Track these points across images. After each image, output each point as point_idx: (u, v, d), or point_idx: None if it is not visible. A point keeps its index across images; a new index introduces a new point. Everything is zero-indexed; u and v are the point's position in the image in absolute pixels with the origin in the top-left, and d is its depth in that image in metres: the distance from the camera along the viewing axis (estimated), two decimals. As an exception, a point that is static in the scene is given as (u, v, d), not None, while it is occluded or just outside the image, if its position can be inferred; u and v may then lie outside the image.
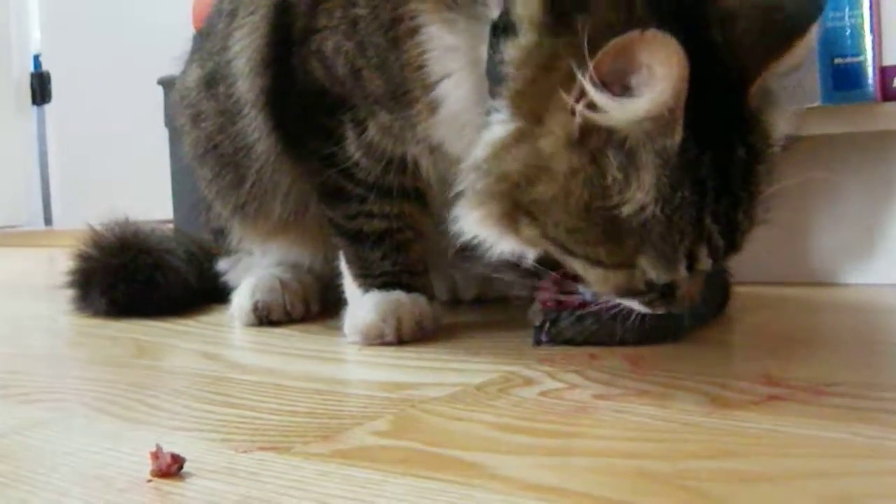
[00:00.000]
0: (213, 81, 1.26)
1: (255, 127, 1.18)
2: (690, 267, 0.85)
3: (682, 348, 0.98)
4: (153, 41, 2.34)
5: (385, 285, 1.11)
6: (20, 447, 0.78)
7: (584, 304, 1.00)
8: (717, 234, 0.83)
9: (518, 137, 0.85)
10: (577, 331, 1.01)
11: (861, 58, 1.26)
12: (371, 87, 1.03)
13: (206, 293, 1.45)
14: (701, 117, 0.79)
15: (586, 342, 1.01)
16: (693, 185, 0.80)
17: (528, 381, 0.88)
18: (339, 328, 1.13)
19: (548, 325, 1.02)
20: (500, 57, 0.88)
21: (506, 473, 0.64)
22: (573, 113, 0.81)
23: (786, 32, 0.82)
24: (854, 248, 1.33)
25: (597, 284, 0.90)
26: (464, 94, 0.95)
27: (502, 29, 0.88)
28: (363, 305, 1.10)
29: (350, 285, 1.15)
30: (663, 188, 0.80)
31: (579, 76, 0.78)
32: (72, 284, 1.45)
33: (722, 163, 0.82)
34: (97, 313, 1.40)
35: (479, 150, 0.89)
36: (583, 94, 0.79)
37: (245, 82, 1.17)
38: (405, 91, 0.99)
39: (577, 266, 0.89)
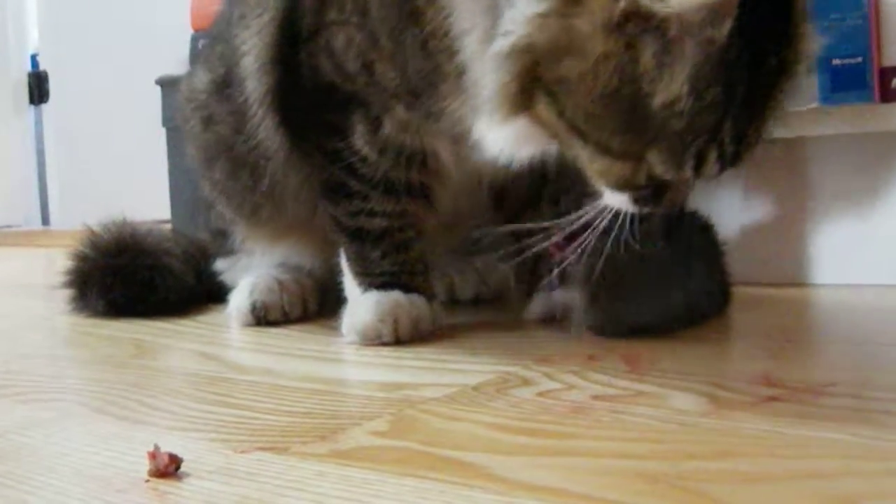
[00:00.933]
0: (225, 84, 1.26)
1: (263, 126, 1.18)
2: (699, 169, 0.83)
3: (679, 348, 0.98)
4: (151, 41, 2.36)
5: (384, 285, 1.11)
6: (18, 447, 0.78)
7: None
8: (729, 140, 0.82)
9: (551, 13, 0.81)
10: (585, 269, 1.01)
11: (860, 59, 1.26)
12: (385, 81, 1.03)
13: (204, 294, 1.45)
14: (750, 17, 0.77)
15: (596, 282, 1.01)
16: (725, 87, 0.79)
17: (526, 382, 0.88)
18: (337, 328, 1.13)
19: (556, 273, 1.02)
20: None
21: (504, 474, 0.64)
22: None
23: None
24: (854, 249, 1.33)
25: (598, 175, 0.88)
26: (480, 40, 0.90)
27: None
28: (361, 305, 1.10)
29: (349, 284, 1.15)
30: (698, 83, 0.78)
31: None
32: (69, 284, 1.44)
33: (755, 72, 0.80)
34: (95, 314, 1.40)
35: (499, 40, 0.84)
36: None
37: (253, 81, 1.17)
38: (431, 69, 0.97)
39: (583, 154, 0.87)
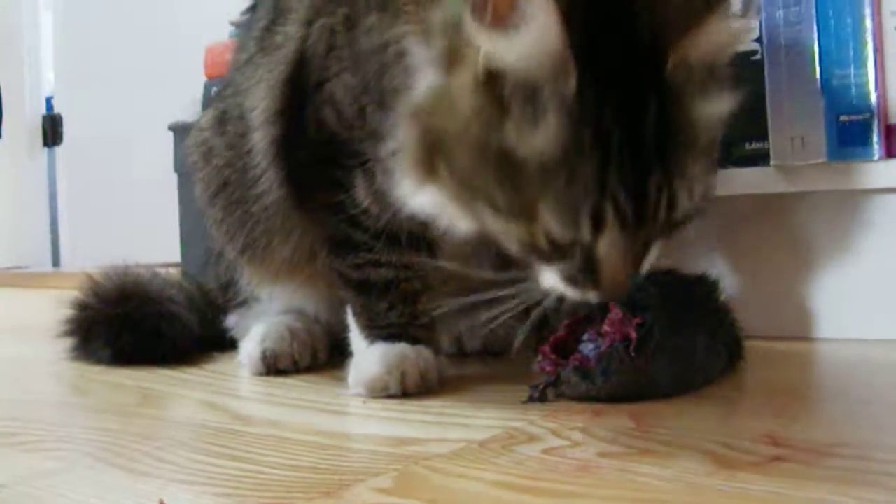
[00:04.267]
0: (224, 120, 1.30)
1: (265, 178, 1.19)
2: (597, 228, 0.83)
3: (685, 405, 0.98)
4: (165, 87, 2.37)
5: (391, 337, 1.11)
6: (25, 498, 0.78)
7: (583, 363, 1.00)
8: (624, 197, 0.82)
9: (435, 86, 0.89)
10: (574, 388, 1.01)
11: (867, 115, 1.27)
12: (374, 123, 1.04)
13: (209, 340, 1.46)
14: (611, 77, 0.81)
15: (581, 399, 1.01)
16: (594, 136, 0.80)
17: (532, 438, 0.88)
18: (344, 379, 1.13)
19: (543, 385, 1.02)
20: (430, 26, 0.91)
21: (508, 535, 0.64)
22: (476, 58, 0.84)
23: (704, 6, 0.82)
24: (860, 303, 1.33)
25: (504, 240, 0.90)
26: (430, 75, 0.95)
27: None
28: (368, 357, 1.11)
29: (356, 337, 1.16)
30: (561, 134, 0.80)
31: (472, 24, 0.82)
32: (70, 333, 1.45)
33: (630, 124, 0.81)
34: (101, 362, 1.40)
35: (402, 106, 0.94)
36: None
37: (258, 133, 1.19)
38: (397, 120, 0.99)
39: (486, 218, 0.89)
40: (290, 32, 1.15)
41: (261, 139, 1.19)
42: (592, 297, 0.89)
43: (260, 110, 1.19)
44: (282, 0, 1.21)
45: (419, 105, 0.90)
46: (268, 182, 1.20)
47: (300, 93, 1.13)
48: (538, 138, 0.81)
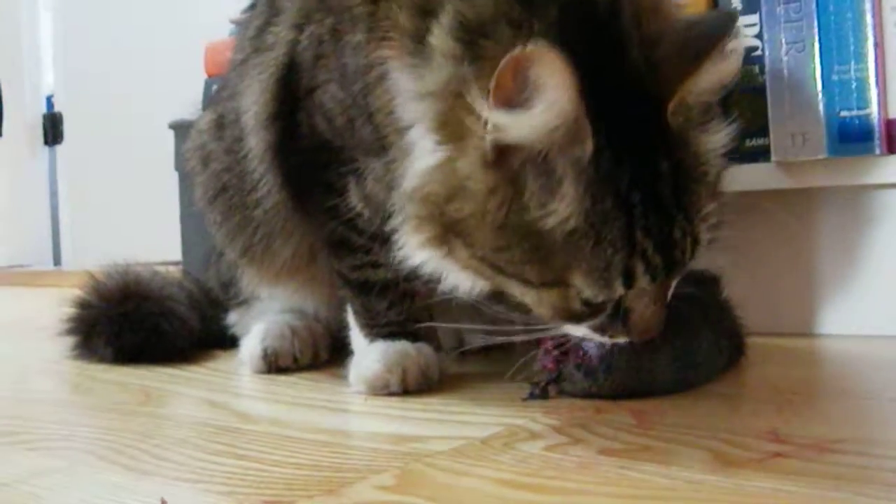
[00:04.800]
0: (222, 125, 1.30)
1: (263, 183, 1.20)
2: (629, 284, 0.85)
3: (686, 402, 0.98)
4: (165, 85, 2.37)
5: (391, 335, 1.12)
6: (26, 497, 0.78)
7: (585, 360, 1.00)
8: (652, 250, 0.83)
9: (440, 162, 0.88)
10: (576, 385, 1.01)
11: (867, 111, 1.27)
12: (363, 134, 1.04)
13: (210, 338, 1.46)
14: (620, 133, 0.81)
15: (582, 396, 1.01)
16: (615, 197, 0.81)
17: (534, 435, 0.88)
18: (345, 377, 1.13)
19: (544, 381, 1.02)
20: (422, 89, 0.90)
21: (509, 532, 0.64)
22: (483, 134, 0.83)
23: (697, 52, 0.84)
24: (861, 299, 1.33)
25: (536, 307, 0.90)
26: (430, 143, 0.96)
27: (425, 63, 0.90)
28: (369, 355, 1.11)
29: (356, 336, 1.16)
30: (583, 199, 0.81)
31: (477, 98, 0.81)
32: (72, 332, 1.45)
33: (647, 178, 0.83)
34: (102, 361, 1.41)
35: (408, 180, 0.91)
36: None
37: (253, 137, 1.19)
38: (381, 136, 1.00)
39: (514, 289, 0.89)
40: (281, 34, 1.15)
41: (256, 144, 1.19)
42: (622, 340, 0.91)
43: (252, 114, 1.19)
44: (277, 0, 1.21)
45: (426, 189, 0.88)
46: (266, 187, 1.20)
47: (292, 97, 1.13)
48: (560, 208, 0.82)
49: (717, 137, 0.88)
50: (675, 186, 0.84)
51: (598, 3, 0.86)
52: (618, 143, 0.81)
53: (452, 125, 0.87)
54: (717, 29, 0.86)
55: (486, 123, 0.82)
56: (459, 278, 0.94)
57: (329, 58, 1.06)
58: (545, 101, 0.78)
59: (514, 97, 0.79)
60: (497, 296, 0.95)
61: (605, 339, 0.92)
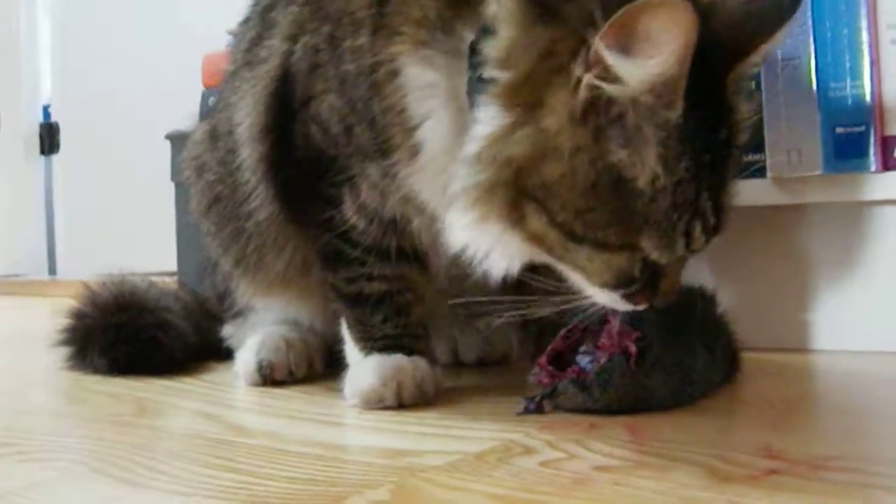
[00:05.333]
0: (216, 136, 1.31)
1: (256, 194, 1.20)
2: (689, 245, 0.87)
3: (681, 417, 0.98)
4: (163, 96, 2.38)
5: (386, 348, 1.11)
6: (19, 510, 0.78)
7: (580, 375, 1.00)
8: (710, 211, 0.87)
9: (515, 125, 0.86)
10: (571, 399, 1.01)
11: (862, 127, 1.27)
12: (361, 140, 1.04)
13: (205, 349, 1.46)
14: (696, 97, 0.83)
15: (577, 411, 1.01)
16: (692, 158, 0.84)
17: (529, 451, 0.88)
18: (340, 390, 1.13)
19: (539, 396, 1.02)
20: (481, 60, 0.90)
21: (504, 548, 0.64)
22: (577, 88, 0.83)
23: (758, 30, 0.87)
24: (856, 315, 1.34)
25: (597, 274, 0.90)
26: (444, 132, 0.97)
27: (482, 34, 0.90)
28: (364, 369, 1.10)
29: (351, 350, 1.16)
30: (669, 160, 0.83)
31: (594, 43, 0.80)
32: (66, 342, 1.45)
33: (714, 142, 0.86)
34: (97, 372, 1.40)
35: (472, 144, 0.89)
36: (590, 65, 0.82)
37: (246, 149, 1.20)
38: (386, 138, 1.01)
39: (580, 257, 0.89)
40: (275, 47, 1.15)
41: (249, 155, 1.20)
42: (642, 307, 0.93)
43: (245, 126, 1.19)
44: (269, 13, 1.22)
45: (505, 152, 0.86)
46: (259, 198, 1.20)
47: (286, 109, 1.13)
48: (648, 167, 0.83)
49: (750, 105, 0.91)
50: (728, 154, 0.88)
51: None
52: (696, 109, 0.83)
53: (530, 88, 0.86)
54: (777, 15, 0.88)
55: (578, 80, 0.83)
56: (505, 256, 0.93)
57: (326, 66, 1.07)
58: (663, 54, 0.78)
59: (632, 45, 0.79)
60: (538, 269, 0.97)
61: (629, 307, 0.93)
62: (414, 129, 0.98)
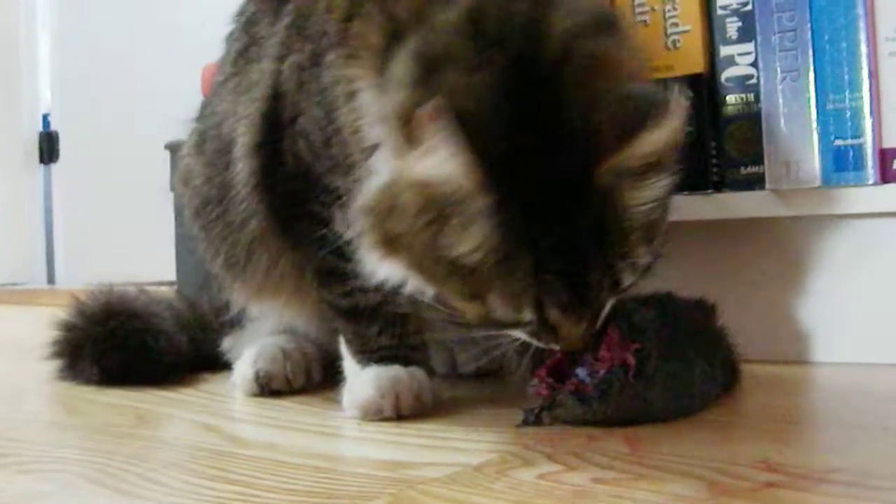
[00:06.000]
0: (202, 141, 1.33)
1: (248, 209, 1.22)
2: (540, 313, 0.89)
3: (680, 430, 0.98)
4: (162, 105, 2.37)
5: (383, 360, 1.11)
6: (17, 522, 0.78)
7: (579, 388, 1.00)
8: (561, 288, 0.88)
9: (387, 180, 0.92)
10: (570, 412, 1.01)
11: (861, 140, 1.28)
12: (335, 152, 1.06)
13: (203, 362, 1.46)
14: (537, 187, 0.85)
15: (577, 423, 1.01)
16: (520, 242, 0.86)
17: (527, 463, 0.88)
18: (339, 401, 1.13)
19: (538, 408, 1.02)
20: (381, 111, 0.95)
21: (502, 562, 0.63)
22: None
23: (628, 128, 0.85)
24: (856, 327, 1.34)
25: (464, 313, 0.94)
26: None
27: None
28: (361, 380, 1.11)
29: (349, 363, 1.15)
30: (490, 240, 0.86)
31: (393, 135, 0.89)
32: (57, 355, 1.45)
33: (562, 229, 0.86)
34: (90, 382, 1.40)
35: (361, 196, 0.96)
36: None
37: (238, 163, 1.21)
38: (348, 154, 1.03)
39: (444, 295, 0.95)
40: (265, 69, 1.18)
41: (242, 169, 1.21)
42: (556, 347, 0.95)
43: (240, 144, 1.21)
44: (252, 27, 1.26)
45: (372, 205, 0.93)
46: (250, 212, 1.22)
47: (277, 127, 1.15)
48: (469, 244, 0.86)
49: (650, 192, 0.88)
50: (595, 237, 0.87)
51: (543, 57, 0.89)
52: (531, 197, 0.85)
53: (397, 147, 0.91)
54: (649, 113, 0.86)
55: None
56: (417, 285, 0.98)
57: (309, 83, 1.09)
58: (437, 158, 0.84)
59: (417, 144, 0.85)
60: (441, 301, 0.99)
61: (541, 344, 0.95)
62: (369, 152, 0.99)
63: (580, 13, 0.93)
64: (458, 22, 0.91)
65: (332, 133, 1.05)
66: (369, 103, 0.97)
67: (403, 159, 0.89)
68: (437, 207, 0.87)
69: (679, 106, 0.86)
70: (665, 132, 0.85)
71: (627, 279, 0.91)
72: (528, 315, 0.90)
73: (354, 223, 0.98)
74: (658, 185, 0.88)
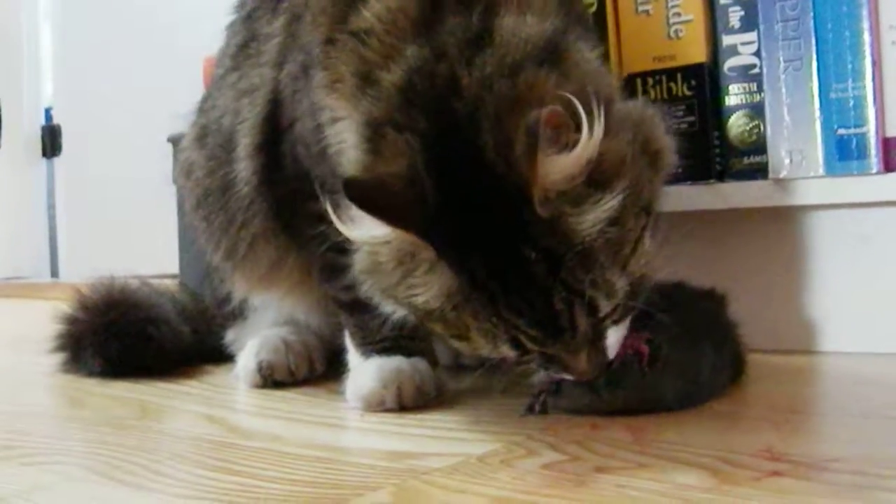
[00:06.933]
0: (203, 134, 1.33)
1: (254, 209, 1.24)
2: (519, 349, 0.90)
3: (683, 419, 0.98)
4: (164, 98, 2.37)
5: (385, 350, 1.12)
6: (21, 513, 0.78)
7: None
8: (526, 324, 0.87)
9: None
10: (577, 400, 1.01)
11: (864, 129, 1.27)
12: (331, 164, 1.05)
13: (204, 351, 1.46)
14: (477, 231, 0.86)
15: (583, 412, 1.01)
16: (472, 284, 0.87)
17: (531, 452, 0.88)
18: (342, 392, 1.13)
19: (543, 396, 1.02)
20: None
21: (506, 550, 0.63)
22: None
23: (531, 159, 0.83)
24: (859, 316, 1.33)
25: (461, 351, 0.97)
26: None
27: None
28: (364, 372, 1.11)
29: (353, 354, 1.16)
30: (443, 286, 0.88)
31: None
32: (60, 348, 1.45)
33: (509, 264, 0.86)
34: (92, 373, 1.40)
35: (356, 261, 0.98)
36: None
37: (241, 163, 1.23)
38: (335, 165, 1.03)
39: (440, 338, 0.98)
40: (265, 75, 1.19)
41: (244, 168, 1.22)
42: (569, 377, 0.94)
43: (243, 145, 1.22)
44: (251, 22, 1.27)
45: (362, 267, 0.95)
46: (254, 210, 1.23)
47: (277, 130, 1.16)
48: (432, 291, 0.88)
49: (597, 213, 0.85)
50: (549, 268, 0.85)
51: (457, 110, 0.89)
52: (470, 242, 0.86)
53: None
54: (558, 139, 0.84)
55: None
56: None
57: (303, 92, 1.09)
58: (364, 227, 0.88)
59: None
60: None
61: (555, 375, 0.95)
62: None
63: (512, 52, 0.91)
64: (399, 84, 0.92)
65: (323, 146, 1.05)
66: (351, 131, 0.98)
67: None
68: (404, 259, 0.89)
69: (595, 122, 0.83)
70: (578, 151, 0.82)
71: (605, 305, 0.88)
72: (508, 353, 0.90)
73: (360, 286, 0.98)
74: (604, 206, 0.85)
